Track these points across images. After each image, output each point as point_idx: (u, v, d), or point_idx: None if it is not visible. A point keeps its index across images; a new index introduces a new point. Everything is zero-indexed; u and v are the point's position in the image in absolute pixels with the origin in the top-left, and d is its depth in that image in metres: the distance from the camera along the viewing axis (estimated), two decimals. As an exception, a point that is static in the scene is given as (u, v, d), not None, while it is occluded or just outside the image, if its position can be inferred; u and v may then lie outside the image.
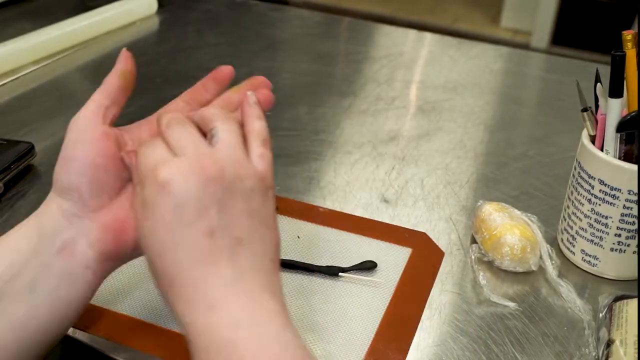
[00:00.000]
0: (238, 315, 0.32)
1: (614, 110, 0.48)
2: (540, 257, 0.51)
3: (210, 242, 0.33)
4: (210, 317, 0.32)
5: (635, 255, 0.49)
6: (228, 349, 0.32)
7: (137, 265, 0.49)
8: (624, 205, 0.47)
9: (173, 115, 0.38)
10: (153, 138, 0.37)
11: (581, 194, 0.50)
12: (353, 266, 0.50)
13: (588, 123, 0.50)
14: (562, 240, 0.54)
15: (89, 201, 0.37)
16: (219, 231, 0.33)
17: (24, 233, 0.37)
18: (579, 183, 0.50)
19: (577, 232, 0.51)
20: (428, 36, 1.06)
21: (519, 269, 0.51)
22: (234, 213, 0.34)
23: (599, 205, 0.49)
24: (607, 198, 0.48)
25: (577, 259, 0.52)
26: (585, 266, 0.52)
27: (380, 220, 0.57)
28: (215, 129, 0.36)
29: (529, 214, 0.54)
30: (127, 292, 0.47)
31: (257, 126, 0.39)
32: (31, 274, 0.36)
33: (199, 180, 0.33)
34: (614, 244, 0.49)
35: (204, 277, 0.33)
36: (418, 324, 0.46)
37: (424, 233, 0.55)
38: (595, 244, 0.50)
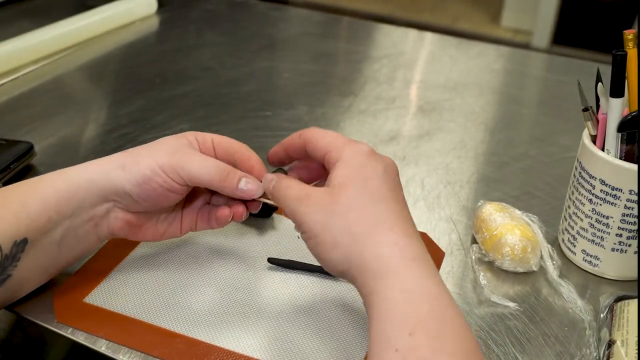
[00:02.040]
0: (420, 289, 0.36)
1: (615, 109, 0.47)
2: (541, 258, 0.51)
3: (404, 209, 0.40)
4: (412, 266, 0.37)
5: (637, 256, 0.49)
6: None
7: (136, 265, 0.49)
8: (625, 205, 0.47)
9: None
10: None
11: (582, 194, 0.50)
12: (353, 266, 0.50)
13: (589, 123, 0.50)
14: (563, 240, 0.54)
15: (134, 205, 0.44)
16: (405, 204, 0.41)
17: (70, 194, 0.42)
18: (579, 183, 0.50)
19: (578, 232, 0.51)
20: (428, 36, 1.05)
21: (520, 269, 0.51)
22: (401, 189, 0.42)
23: (600, 205, 0.49)
24: (608, 198, 0.48)
25: (578, 259, 0.52)
26: (586, 266, 0.52)
27: (380, 220, 0.57)
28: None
29: (529, 214, 0.54)
30: (127, 292, 0.47)
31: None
32: (62, 232, 0.43)
33: (393, 165, 0.42)
34: (615, 244, 0.49)
35: (407, 232, 0.38)
36: (418, 324, 0.46)
37: (425, 233, 0.55)
38: (596, 244, 0.50)
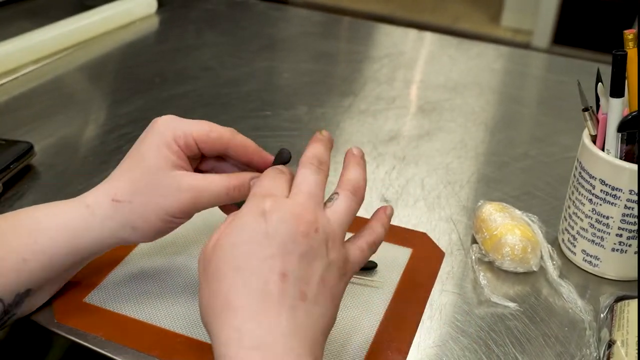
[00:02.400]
0: None
1: (615, 109, 0.47)
2: (541, 258, 0.51)
3: (280, 285, 0.34)
4: (252, 356, 0.32)
5: (637, 256, 0.49)
6: None
7: (136, 265, 0.49)
8: (625, 206, 0.47)
9: (319, 156, 0.41)
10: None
11: (582, 194, 0.50)
12: (353, 266, 0.50)
13: (589, 123, 0.49)
14: (563, 240, 0.54)
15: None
16: (291, 278, 0.34)
17: (73, 250, 0.42)
18: (579, 183, 0.50)
19: (578, 233, 0.51)
20: (428, 36, 1.05)
21: (520, 270, 0.51)
22: (310, 271, 0.35)
23: (600, 205, 0.48)
24: (608, 198, 0.48)
25: (578, 259, 0.52)
26: (586, 266, 0.52)
27: (380, 220, 0.57)
28: (339, 197, 0.39)
29: (529, 214, 0.54)
30: (127, 292, 0.47)
31: (379, 229, 0.42)
32: (69, 273, 0.44)
33: (294, 226, 0.35)
34: (615, 244, 0.49)
35: (260, 314, 0.33)
36: (418, 324, 0.46)
37: (425, 233, 0.55)
38: (596, 244, 0.50)
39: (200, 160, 0.46)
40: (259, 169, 0.45)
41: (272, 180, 0.39)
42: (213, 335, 0.34)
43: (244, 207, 0.37)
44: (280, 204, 0.36)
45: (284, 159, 0.45)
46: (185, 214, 0.42)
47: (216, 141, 0.43)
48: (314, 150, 0.41)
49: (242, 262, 0.34)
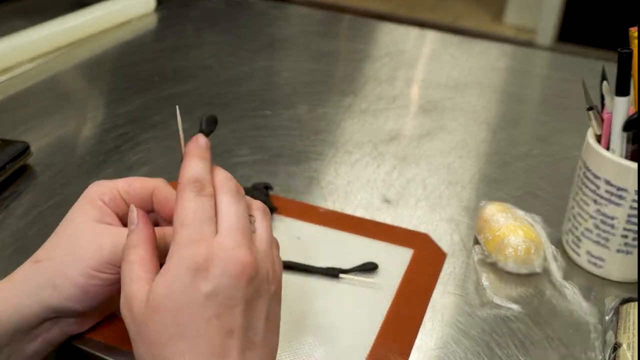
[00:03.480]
0: None
1: (620, 108, 0.47)
2: (545, 259, 0.50)
3: (227, 342, 0.32)
4: None
5: (642, 257, 0.49)
6: None
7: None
8: (631, 206, 0.47)
9: (233, 182, 0.37)
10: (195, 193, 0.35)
11: (586, 194, 0.49)
12: (354, 267, 0.49)
13: (594, 122, 0.49)
14: (567, 241, 0.53)
15: (83, 309, 0.39)
16: (237, 331, 0.33)
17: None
18: (584, 183, 0.49)
19: (582, 233, 0.50)
20: (430, 34, 1.05)
21: (523, 271, 0.50)
22: (255, 315, 0.34)
23: (605, 205, 0.48)
24: (613, 198, 0.47)
25: (582, 260, 0.51)
26: (590, 268, 0.51)
27: (381, 220, 0.56)
28: (256, 219, 0.37)
29: (533, 215, 0.53)
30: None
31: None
32: (6, 357, 0.38)
33: (236, 278, 0.33)
34: (620, 245, 0.48)
35: None
36: (420, 326, 0.45)
37: (426, 234, 0.55)
38: (601, 245, 0.49)
39: None
40: None
41: (195, 209, 0.35)
42: None
43: (173, 257, 0.33)
44: (215, 254, 0.33)
45: (210, 127, 0.39)
46: (108, 268, 0.38)
47: (140, 190, 0.41)
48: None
49: (186, 329, 0.32)
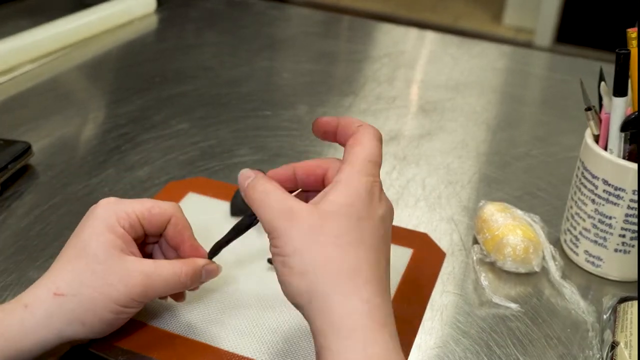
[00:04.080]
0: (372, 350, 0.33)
1: (618, 109, 0.47)
2: (543, 258, 0.51)
3: (382, 264, 0.36)
4: (383, 333, 0.34)
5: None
6: None
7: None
8: (628, 206, 0.47)
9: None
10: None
11: (584, 194, 0.49)
12: (353, 267, 0.50)
13: (592, 122, 0.49)
14: (565, 241, 0.53)
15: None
16: (383, 262, 0.36)
17: (17, 354, 0.37)
18: (582, 183, 0.50)
19: (580, 233, 0.51)
20: (429, 35, 1.05)
21: (522, 270, 0.50)
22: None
23: (603, 205, 0.48)
24: (611, 198, 0.47)
25: (580, 260, 0.52)
26: (588, 267, 0.51)
27: (381, 220, 0.56)
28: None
29: (531, 214, 0.54)
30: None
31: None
32: None
33: (392, 211, 0.38)
34: (618, 244, 0.49)
35: (384, 292, 0.35)
36: (419, 325, 0.45)
37: (425, 234, 0.55)
38: (599, 244, 0.50)
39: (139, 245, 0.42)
40: (186, 257, 0.43)
41: (380, 154, 0.38)
42: (330, 304, 0.33)
43: (354, 178, 0.36)
44: (375, 183, 0.37)
45: (243, 225, 0.42)
46: (136, 303, 0.39)
47: (159, 217, 0.41)
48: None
49: (364, 237, 0.35)
